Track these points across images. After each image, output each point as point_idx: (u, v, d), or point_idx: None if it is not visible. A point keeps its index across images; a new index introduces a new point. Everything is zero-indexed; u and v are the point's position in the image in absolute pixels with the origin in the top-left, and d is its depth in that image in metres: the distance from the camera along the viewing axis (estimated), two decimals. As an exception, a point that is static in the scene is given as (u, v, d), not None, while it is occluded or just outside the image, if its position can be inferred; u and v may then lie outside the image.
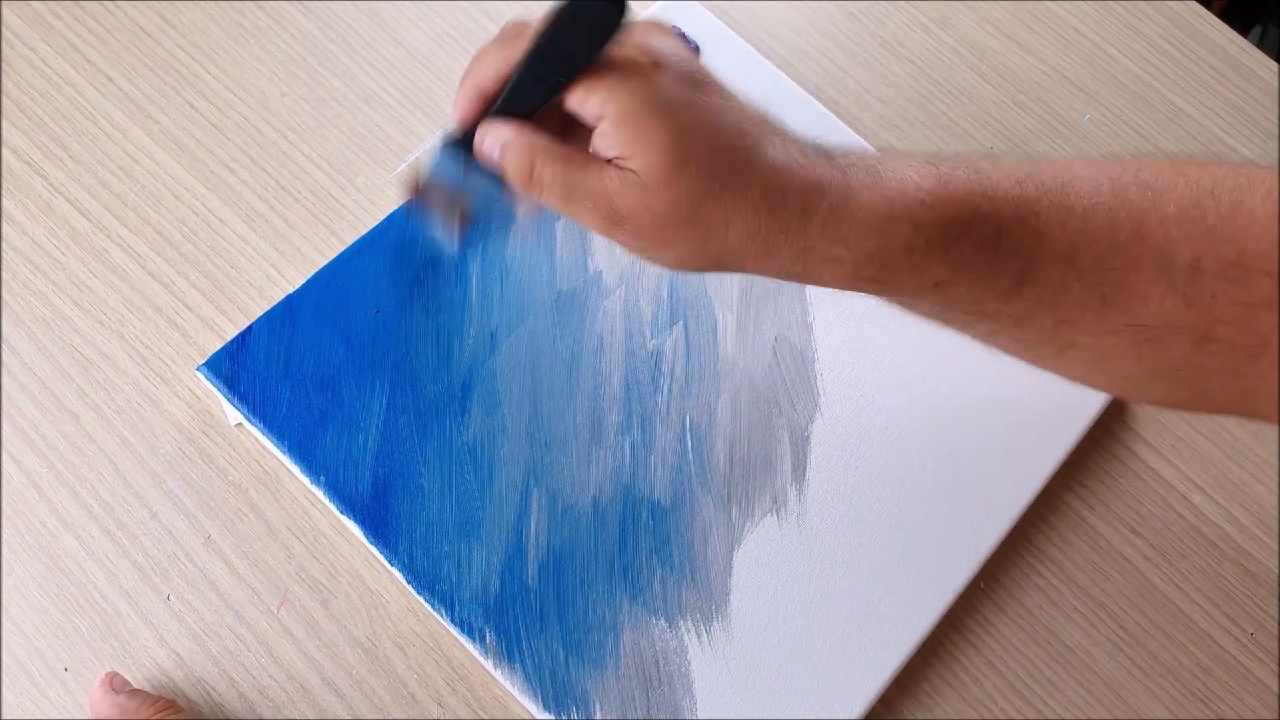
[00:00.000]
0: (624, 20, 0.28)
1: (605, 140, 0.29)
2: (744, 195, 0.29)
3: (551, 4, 0.28)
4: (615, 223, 0.29)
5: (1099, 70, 0.51)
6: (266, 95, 0.44)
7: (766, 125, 0.30)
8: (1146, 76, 0.51)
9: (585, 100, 0.29)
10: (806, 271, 0.30)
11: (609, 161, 0.29)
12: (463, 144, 0.32)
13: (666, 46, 0.30)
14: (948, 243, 0.29)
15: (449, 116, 0.33)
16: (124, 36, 0.45)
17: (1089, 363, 0.32)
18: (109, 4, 0.45)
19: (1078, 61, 0.51)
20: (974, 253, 0.30)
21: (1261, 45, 0.68)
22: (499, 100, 0.31)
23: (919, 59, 0.50)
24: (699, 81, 0.29)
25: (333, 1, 0.47)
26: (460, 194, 0.35)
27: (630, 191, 0.28)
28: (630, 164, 0.28)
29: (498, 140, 0.30)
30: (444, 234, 0.36)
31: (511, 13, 0.48)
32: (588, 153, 0.30)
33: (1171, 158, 0.33)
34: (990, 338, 0.33)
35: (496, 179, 0.32)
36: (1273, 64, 0.52)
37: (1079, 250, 0.29)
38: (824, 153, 0.30)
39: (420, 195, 0.35)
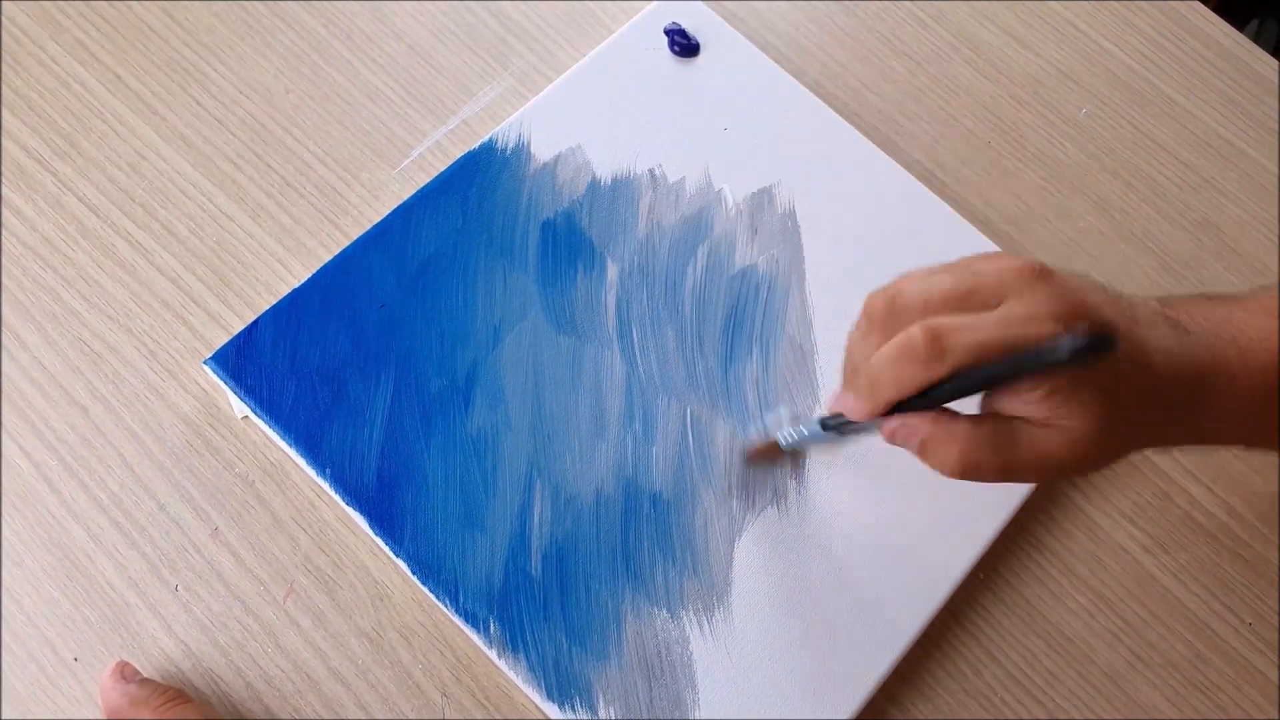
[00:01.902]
0: (1109, 357, 0.26)
1: (1026, 407, 0.29)
2: (1152, 417, 0.30)
3: (1031, 349, 0.27)
4: (1050, 474, 0.31)
5: (1095, 65, 0.51)
6: (272, 92, 0.45)
7: (1133, 322, 0.31)
8: (1143, 71, 0.51)
9: (1017, 385, 0.29)
10: (1197, 444, 0.34)
11: (1031, 422, 0.29)
12: (838, 428, 0.34)
13: (1074, 307, 0.29)
14: None
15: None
16: (132, 35, 0.45)
17: None
18: (117, 3, 0.46)
19: (1074, 56, 0.51)
20: None
21: (1258, 39, 0.68)
22: (909, 400, 0.30)
23: (916, 54, 0.50)
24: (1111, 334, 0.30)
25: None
26: (809, 448, 0.39)
27: (1066, 449, 0.29)
28: (1060, 423, 0.29)
29: (913, 434, 0.30)
30: (778, 472, 0.39)
31: (512, 9, 0.48)
32: (1008, 423, 0.30)
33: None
34: None
35: (844, 436, 0.34)
36: (1269, 58, 0.52)
37: None
38: (1177, 324, 0.31)
39: (766, 457, 0.39)
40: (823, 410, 0.39)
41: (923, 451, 0.30)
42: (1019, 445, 0.29)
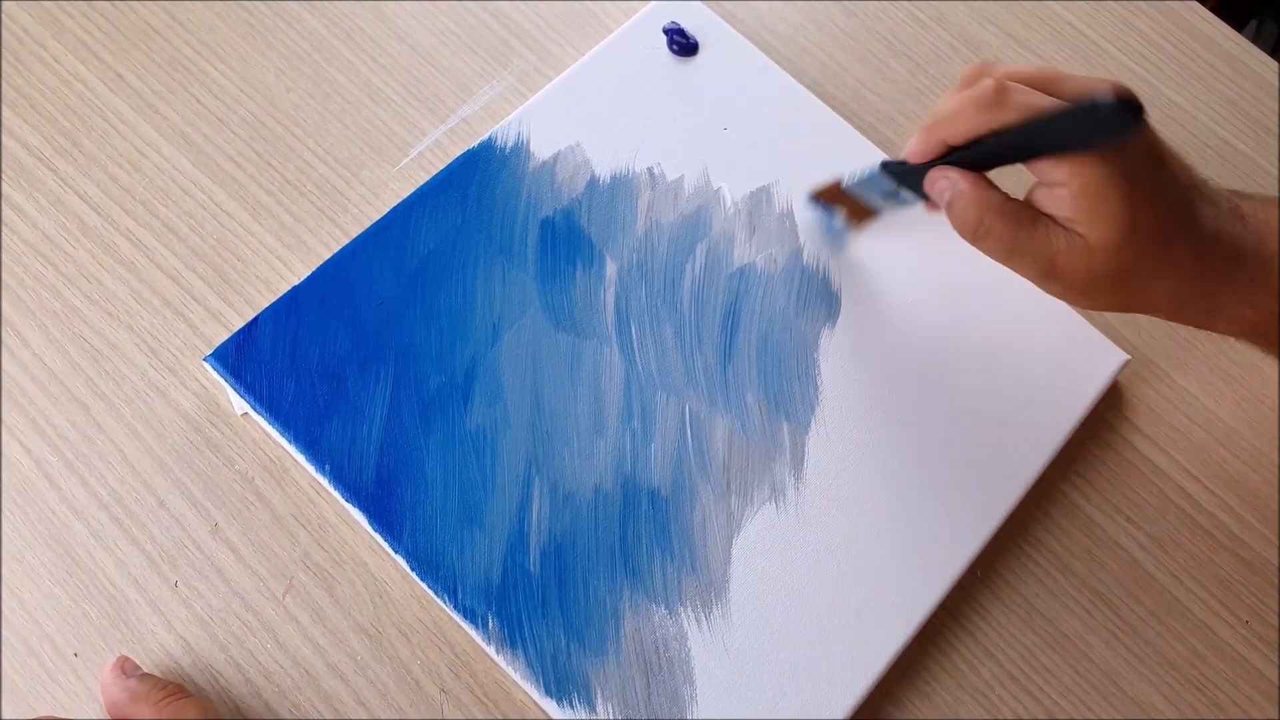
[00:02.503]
0: (1134, 132, 0.28)
1: (1058, 204, 0.31)
2: (1175, 264, 0.31)
3: (1069, 89, 0.29)
4: (1050, 276, 0.32)
5: (1093, 65, 0.51)
6: (272, 91, 0.45)
7: (1197, 192, 0.32)
8: (1141, 71, 0.51)
9: (1053, 167, 0.31)
10: (1207, 323, 0.34)
11: (1057, 220, 0.31)
12: (897, 173, 0.35)
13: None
14: None
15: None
16: (133, 34, 0.45)
17: None
18: (118, 2, 0.46)
19: (1072, 56, 0.51)
20: None
21: (1257, 40, 0.68)
22: (959, 151, 0.32)
23: (915, 54, 0.51)
24: (1158, 156, 0.31)
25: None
26: (870, 206, 0.40)
27: (1075, 254, 0.31)
28: (1080, 229, 0.30)
29: (950, 187, 0.33)
30: (838, 232, 0.41)
31: (512, 9, 0.48)
32: (1032, 210, 0.32)
33: None
34: None
35: (912, 202, 0.36)
36: (1268, 59, 0.52)
37: None
38: (1239, 212, 0.32)
39: (830, 197, 0.40)
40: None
41: (950, 205, 0.33)
42: (1035, 232, 0.31)
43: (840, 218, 0.41)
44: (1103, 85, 0.29)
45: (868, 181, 0.38)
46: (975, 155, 0.32)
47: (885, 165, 0.37)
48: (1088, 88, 0.31)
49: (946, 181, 0.33)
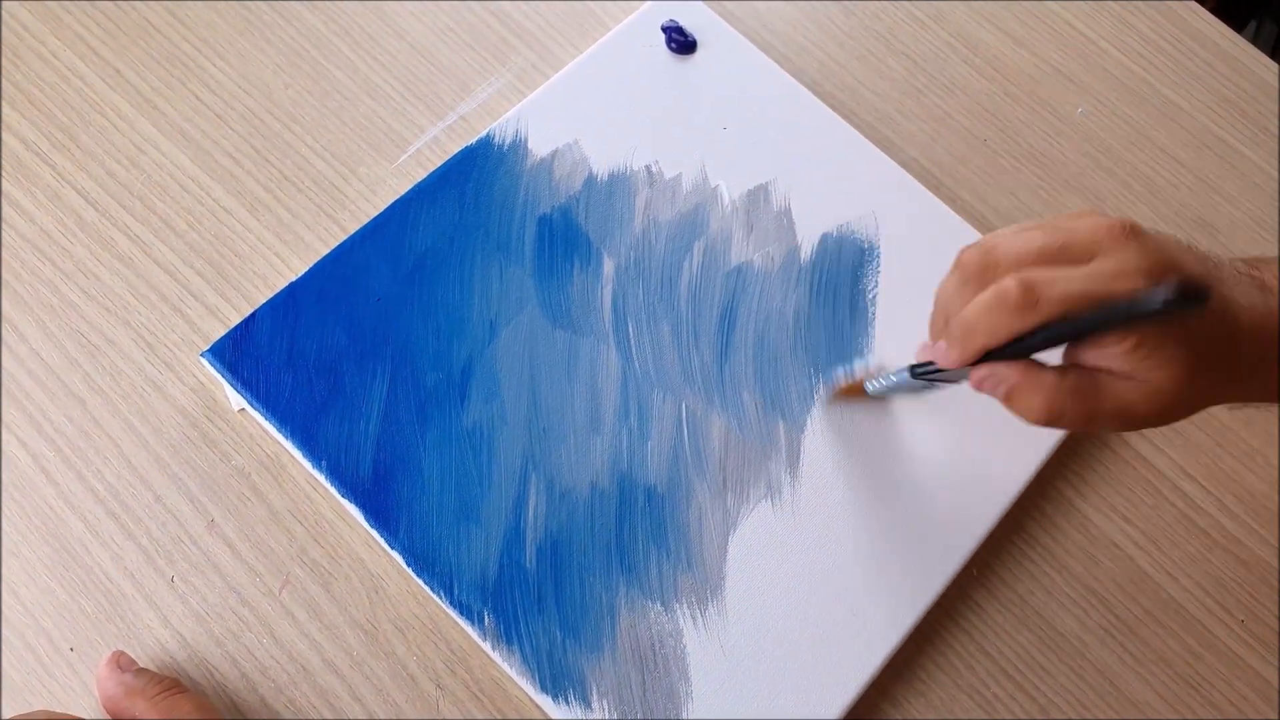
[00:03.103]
0: (1200, 311, 0.28)
1: (1111, 359, 0.30)
2: (1235, 371, 0.31)
3: (1123, 298, 0.28)
4: (1128, 425, 0.32)
5: (1092, 64, 0.51)
6: (271, 87, 0.45)
7: (1225, 285, 0.31)
8: (1139, 70, 0.51)
9: (1105, 337, 0.30)
10: (1262, 401, 0.34)
11: (1114, 374, 0.30)
12: (928, 375, 0.35)
13: (1167, 263, 0.30)
14: None
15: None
16: (132, 30, 0.45)
17: None
18: (116, -2, 0.46)
19: (1071, 55, 0.51)
20: None
21: (1256, 40, 0.68)
22: (998, 349, 0.31)
23: (913, 53, 0.51)
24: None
25: (336, -4, 0.47)
26: (901, 392, 0.39)
27: (1149, 402, 0.30)
28: (1145, 377, 0.30)
29: (1003, 383, 0.32)
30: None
31: (510, 7, 0.48)
32: (1091, 374, 0.31)
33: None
34: None
35: (934, 384, 0.36)
36: (1266, 59, 0.52)
37: None
38: (1261, 284, 0.32)
39: (851, 396, 0.40)
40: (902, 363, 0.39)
41: (1009, 399, 0.32)
42: (1102, 396, 0.31)
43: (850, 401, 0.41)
44: (1159, 279, 0.28)
45: (894, 385, 0.38)
46: (1017, 349, 0.31)
47: (914, 372, 0.36)
48: (1123, 272, 0.29)
49: (994, 379, 0.32)
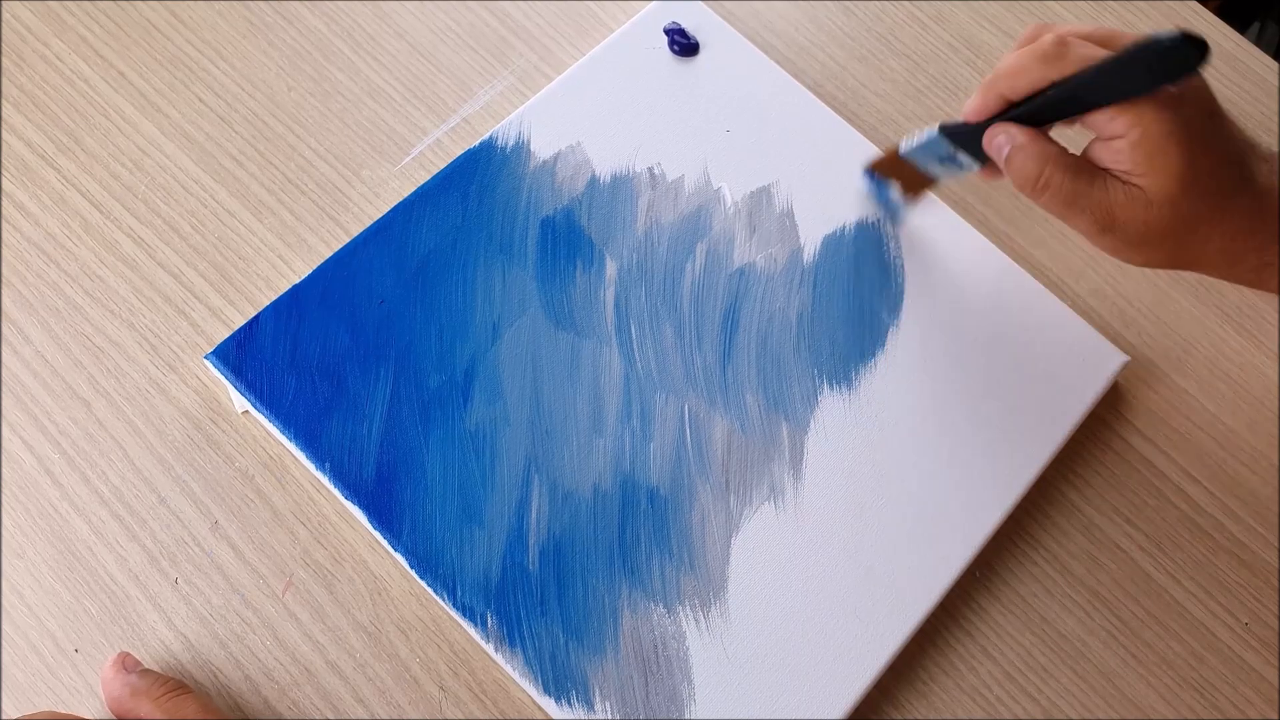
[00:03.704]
0: (1203, 64, 0.29)
1: (1116, 157, 0.31)
2: (1230, 217, 0.31)
3: (1128, 42, 0.29)
4: (1107, 230, 0.32)
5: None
6: (274, 90, 0.45)
7: (1252, 149, 0.32)
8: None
9: (1111, 120, 0.31)
10: (1259, 281, 0.34)
11: (1115, 174, 0.31)
12: (956, 135, 0.35)
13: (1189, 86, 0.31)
14: None
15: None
16: (135, 32, 0.45)
17: None
18: (121, 1, 0.46)
19: (1075, 58, 0.51)
20: None
21: (1259, 42, 0.68)
22: (1020, 107, 0.33)
23: (915, 54, 0.51)
24: (1214, 109, 0.31)
25: (339, -2, 0.47)
26: (929, 173, 0.40)
27: (1134, 206, 0.31)
28: (1139, 181, 0.31)
29: (1010, 142, 0.33)
30: (895, 204, 0.42)
31: (512, 8, 0.48)
32: (1090, 163, 0.32)
33: None
34: None
35: (970, 166, 0.36)
36: (1270, 61, 0.52)
37: None
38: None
39: (886, 168, 0.41)
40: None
41: (1010, 160, 0.33)
42: (1094, 184, 0.32)
43: (896, 190, 0.41)
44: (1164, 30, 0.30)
45: (925, 146, 0.38)
46: (1035, 109, 0.33)
47: (943, 128, 0.37)
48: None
49: (1005, 136, 0.33)
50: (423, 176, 0.43)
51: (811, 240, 0.44)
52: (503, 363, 0.39)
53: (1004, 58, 0.34)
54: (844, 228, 0.44)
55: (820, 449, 0.40)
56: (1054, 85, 0.32)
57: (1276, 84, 0.52)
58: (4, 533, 0.37)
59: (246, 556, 0.38)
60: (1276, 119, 0.51)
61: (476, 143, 0.43)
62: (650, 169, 0.44)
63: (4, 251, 0.41)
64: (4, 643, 0.36)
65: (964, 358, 0.42)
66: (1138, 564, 0.41)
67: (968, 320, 0.43)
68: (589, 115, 0.44)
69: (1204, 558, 0.42)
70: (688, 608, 0.37)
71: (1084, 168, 0.32)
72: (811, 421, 0.40)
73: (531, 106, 0.44)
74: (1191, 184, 0.31)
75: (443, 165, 0.43)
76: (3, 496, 0.38)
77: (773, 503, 0.39)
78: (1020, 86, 0.33)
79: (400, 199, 0.42)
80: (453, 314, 0.40)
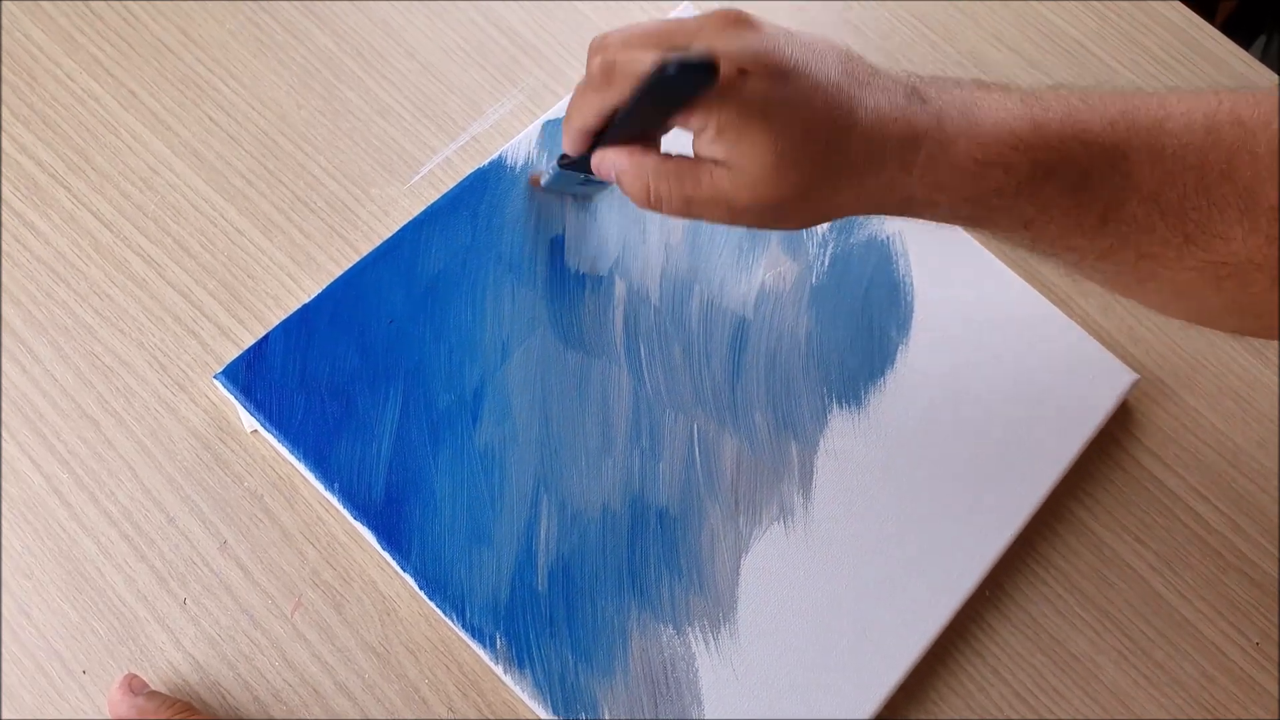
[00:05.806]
0: (715, 81, 0.29)
1: (711, 148, 0.31)
2: (845, 167, 0.31)
3: (651, 66, 0.29)
4: (736, 215, 0.32)
5: (1102, 82, 0.51)
6: (283, 108, 0.45)
7: (856, 82, 0.31)
8: (1149, 88, 0.51)
9: (689, 119, 0.31)
10: (910, 214, 0.33)
11: (717, 163, 0.31)
12: (575, 166, 0.36)
13: (746, 46, 0.30)
14: (1036, 185, 0.31)
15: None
16: (146, 51, 0.46)
17: (1168, 294, 0.33)
18: (131, 20, 0.46)
19: (1081, 74, 0.51)
20: (1060, 195, 0.31)
21: (1265, 56, 0.68)
22: (605, 133, 0.33)
23: (924, 71, 0.50)
24: (783, 72, 0.30)
25: (348, 17, 0.47)
26: (578, 193, 0.41)
27: (744, 189, 0.31)
28: (739, 164, 0.30)
29: (612, 167, 0.33)
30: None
31: (521, 26, 0.48)
32: (695, 161, 0.32)
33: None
34: (1075, 268, 0.34)
35: (608, 184, 0.36)
36: (1273, 76, 0.53)
37: (1165, 191, 0.30)
38: (917, 94, 0.31)
39: (536, 187, 0.41)
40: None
41: (620, 182, 0.33)
42: (700, 181, 0.31)
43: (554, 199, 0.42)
44: (693, 47, 0.29)
45: (556, 179, 0.39)
46: (617, 132, 0.32)
47: (560, 161, 0.37)
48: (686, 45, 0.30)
49: (607, 162, 0.33)
50: (432, 195, 0.44)
51: (820, 258, 0.44)
52: (512, 382, 0.39)
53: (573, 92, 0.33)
54: (852, 245, 0.44)
55: (829, 468, 0.40)
56: (614, 111, 0.31)
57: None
58: (12, 552, 0.37)
59: (255, 577, 0.37)
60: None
61: (486, 161, 0.43)
62: (659, 187, 0.44)
63: (14, 270, 0.41)
64: (12, 663, 0.36)
65: (973, 376, 0.42)
66: (1148, 583, 0.41)
67: (977, 338, 0.43)
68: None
69: (1214, 576, 0.42)
70: (697, 629, 0.37)
71: (685, 170, 0.31)
72: (821, 441, 0.40)
73: (541, 124, 0.44)
74: (784, 152, 0.30)
75: (452, 183, 0.43)
76: (11, 516, 0.38)
77: (782, 522, 0.39)
78: (590, 119, 0.32)
79: (410, 217, 0.42)
80: (462, 333, 0.40)
